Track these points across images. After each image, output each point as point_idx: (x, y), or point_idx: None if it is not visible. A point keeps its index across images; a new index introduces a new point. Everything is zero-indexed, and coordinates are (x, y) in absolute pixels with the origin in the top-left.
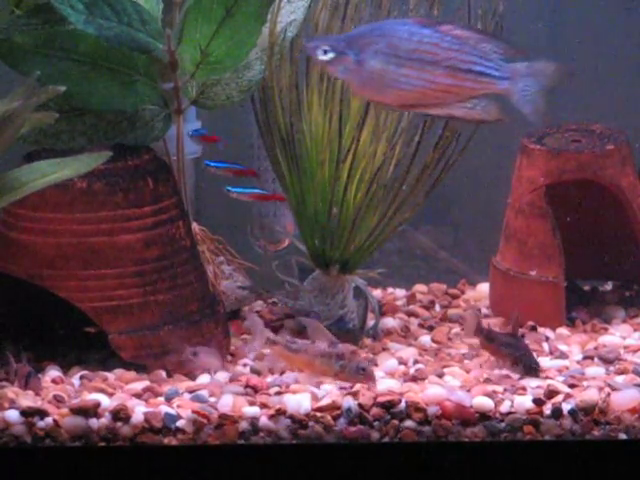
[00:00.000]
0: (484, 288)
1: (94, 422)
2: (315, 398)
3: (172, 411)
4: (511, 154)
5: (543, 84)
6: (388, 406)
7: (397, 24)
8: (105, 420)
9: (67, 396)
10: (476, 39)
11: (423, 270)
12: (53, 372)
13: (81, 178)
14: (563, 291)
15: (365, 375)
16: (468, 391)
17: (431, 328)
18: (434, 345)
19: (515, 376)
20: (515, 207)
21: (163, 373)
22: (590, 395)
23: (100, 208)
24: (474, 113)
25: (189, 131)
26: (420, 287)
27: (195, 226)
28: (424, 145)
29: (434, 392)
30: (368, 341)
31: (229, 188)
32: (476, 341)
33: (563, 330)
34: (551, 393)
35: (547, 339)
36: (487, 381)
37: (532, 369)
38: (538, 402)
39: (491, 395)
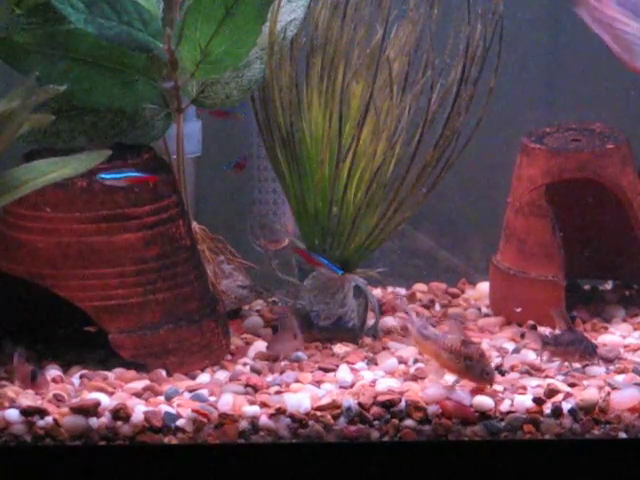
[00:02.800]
0: (484, 287)
1: (94, 421)
2: (315, 397)
3: (172, 410)
4: (511, 153)
5: None
6: (388, 405)
7: None
8: (105, 419)
9: (67, 395)
10: None
11: (423, 269)
12: (53, 371)
13: (81, 177)
14: (563, 290)
15: (489, 379)
16: (468, 390)
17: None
18: None
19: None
20: (515, 206)
21: (163, 372)
22: (590, 394)
23: (100, 207)
24: None
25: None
26: (420, 286)
27: (195, 225)
28: (424, 144)
29: (434, 391)
30: (368, 340)
31: (101, 176)
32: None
33: None
34: (551, 392)
35: None
36: None
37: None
38: (538, 401)
39: (491, 394)
